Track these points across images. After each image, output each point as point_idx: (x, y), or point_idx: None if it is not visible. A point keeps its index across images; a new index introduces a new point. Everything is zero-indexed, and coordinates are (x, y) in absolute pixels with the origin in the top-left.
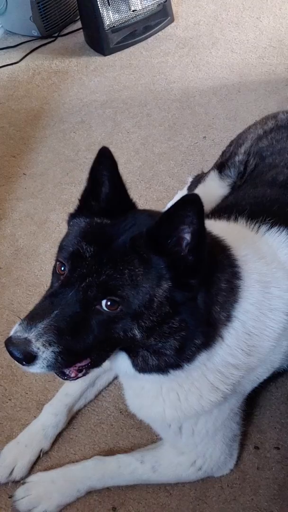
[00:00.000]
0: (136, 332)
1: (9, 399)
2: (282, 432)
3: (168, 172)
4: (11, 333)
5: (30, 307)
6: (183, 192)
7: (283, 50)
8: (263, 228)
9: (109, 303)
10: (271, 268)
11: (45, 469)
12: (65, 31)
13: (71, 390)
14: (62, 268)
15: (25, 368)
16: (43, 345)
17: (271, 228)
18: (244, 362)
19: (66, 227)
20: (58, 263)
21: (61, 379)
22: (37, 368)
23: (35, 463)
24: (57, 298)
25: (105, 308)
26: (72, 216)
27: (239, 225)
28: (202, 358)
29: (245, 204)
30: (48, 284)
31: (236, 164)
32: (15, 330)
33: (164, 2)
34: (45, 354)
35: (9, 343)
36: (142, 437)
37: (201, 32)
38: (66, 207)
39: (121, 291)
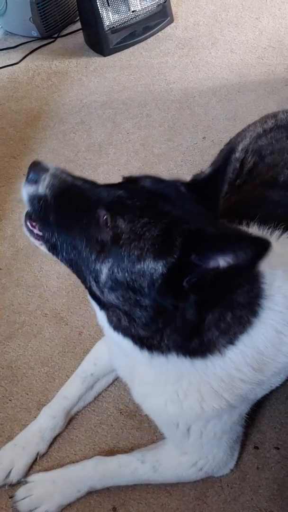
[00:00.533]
0: (104, 270)
1: (10, 400)
2: (282, 432)
3: (168, 173)
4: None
5: (31, 308)
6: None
7: (282, 51)
8: (278, 235)
9: (105, 217)
10: None
11: (46, 470)
12: (65, 32)
13: (69, 393)
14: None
15: (23, 185)
16: (48, 182)
17: (284, 234)
18: (253, 377)
19: None
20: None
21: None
22: (25, 191)
23: (31, 465)
24: (93, 183)
25: (101, 221)
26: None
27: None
28: (186, 363)
29: (250, 207)
30: (48, 285)
31: (231, 162)
32: (50, 164)
33: (164, 2)
34: (41, 188)
35: (36, 162)
36: (142, 437)
37: (200, 32)
38: None
39: (123, 222)
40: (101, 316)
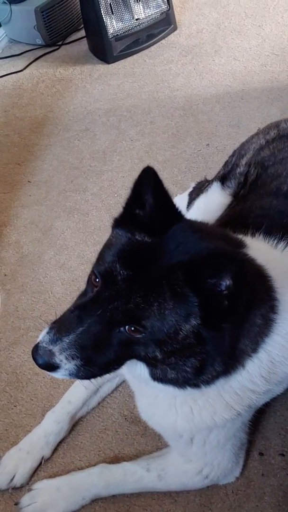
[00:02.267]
0: (158, 354)
1: (15, 406)
2: (287, 438)
3: (172, 180)
4: (39, 338)
5: (35, 313)
6: (183, 196)
7: (285, 58)
8: (283, 246)
9: (132, 328)
10: None
11: (50, 476)
12: (69, 39)
13: (74, 398)
14: (97, 280)
15: (48, 373)
16: (66, 358)
17: None
18: (263, 387)
19: (70, 233)
20: (92, 275)
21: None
22: (60, 375)
23: (36, 470)
24: (85, 314)
25: (127, 332)
26: (116, 223)
27: (268, 245)
28: (220, 382)
29: (255, 217)
30: (53, 291)
31: (236, 176)
32: (43, 338)
33: (167, 10)
34: (67, 366)
35: (35, 351)
36: (147, 443)
37: (204, 40)
38: (71, 215)
39: (146, 322)
40: (138, 372)
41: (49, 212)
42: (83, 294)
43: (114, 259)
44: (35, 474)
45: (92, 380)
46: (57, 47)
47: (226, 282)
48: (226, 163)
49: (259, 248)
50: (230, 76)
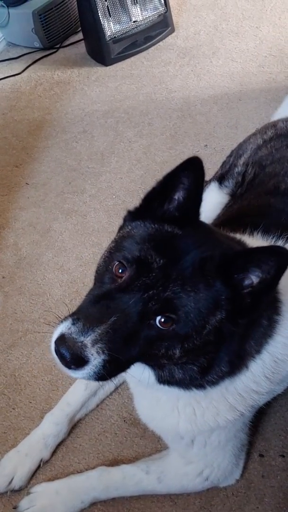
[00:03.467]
0: (177, 351)
1: (13, 408)
2: (287, 439)
3: None
4: (63, 330)
5: (34, 316)
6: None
7: (283, 59)
8: (282, 244)
9: (163, 319)
10: None
11: (50, 479)
12: (67, 42)
13: (72, 400)
14: (121, 271)
15: (68, 371)
16: (97, 352)
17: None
18: (266, 387)
19: (69, 235)
20: (117, 263)
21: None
22: (83, 374)
23: (35, 472)
24: (114, 303)
25: (158, 324)
26: (132, 216)
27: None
28: (225, 383)
29: (253, 215)
30: (51, 293)
31: (234, 176)
32: (68, 328)
33: (165, 12)
34: (96, 361)
35: (62, 342)
36: (146, 445)
37: (201, 41)
38: (69, 216)
39: (181, 312)
40: (141, 376)
41: (47, 214)
42: (98, 287)
43: (147, 247)
44: (34, 476)
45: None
46: (55, 50)
47: (254, 279)
48: (223, 163)
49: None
50: (227, 77)
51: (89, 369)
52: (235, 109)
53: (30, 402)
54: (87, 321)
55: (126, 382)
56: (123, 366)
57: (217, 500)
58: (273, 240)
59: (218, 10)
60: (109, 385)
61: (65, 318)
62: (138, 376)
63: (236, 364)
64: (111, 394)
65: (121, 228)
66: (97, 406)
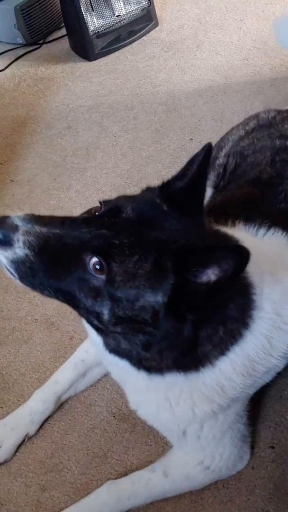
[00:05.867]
0: (105, 311)
1: (1, 407)
2: (277, 431)
3: (156, 175)
4: (13, 214)
5: (21, 313)
6: None
7: (267, 51)
8: (263, 233)
9: (97, 266)
10: (283, 288)
11: (40, 475)
12: (50, 38)
13: (61, 379)
14: (96, 213)
15: None
16: (24, 242)
17: (269, 232)
18: (243, 382)
19: None
20: (97, 206)
21: None
22: (2, 257)
23: (19, 446)
24: (70, 224)
25: (90, 267)
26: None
27: (248, 234)
28: (179, 377)
29: (235, 206)
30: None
31: (216, 168)
32: (16, 215)
33: (148, 6)
34: (19, 250)
35: (1, 220)
36: (136, 440)
37: (185, 35)
38: (55, 213)
39: (116, 266)
40: (97, 340)
41: (33, 211)
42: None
43: (129, 203)
44: (17, 451)
45: (80, 362)
46: (38, 46)
47: (211, 276)
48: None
49: (241, 239)
50: (212, 71)
51: (8, 254)
52: (220, 102)
53: (19, 401)
54: (36, 219)
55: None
56: (43, 286)
57: (208, 493)
58: (255, 229)
59: (202, 4)
60: (99, 368)
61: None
62: (94, 340)
63: (183, 363)
64: (101, 389)
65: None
66: (86, 388)
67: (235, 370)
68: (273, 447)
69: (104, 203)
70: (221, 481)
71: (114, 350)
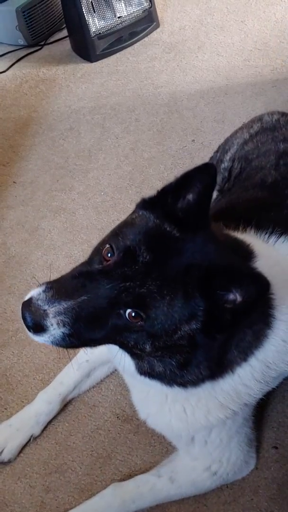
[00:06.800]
0: (147, 346)
1: (5, 408)
2: (280, 431)
3: (158, 176)
4: (32, 294)
5: None
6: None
7: (268, 52)
8: (274, 240)
9: (133, 314)
10: None
11: (44, 476)
12: (51, 39)
13: (65, 380)
14: (109, 255)
15: (28, 334)
16: (57, 323)
17: (279, 239)
18: (257, 389)
19: (57, 233)
20: (107, 247)
21: None
22: (42, 340)
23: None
24: (91, 284)
25: (126, 316)
26: (144, 204)
27: (259, 241)
28: (208, 385)
29: (243, 209)
30: None
31: (221, 171)
32: (38, 295)
33: (149, 8)
34: (55, 331)
35: (27, 306)
36: (140, 441)
37: (186, 36)
38: (57, 214)
39: (151, 312)
40: (126, 365)
41: (35, 213)
42: (87, 263)
43: (140, 239)
44: (22, 451)
45: (84, 362)
46: (40, 47)
47: (236, 297)
48: (211, 159)
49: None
50: (213, 72)
51: (47, 338)
52: (222, 103)
53: (22, 402)
54: (58, 292)
55: (120, 378)
56: (85, 343)
57: (212, 493)
58: (266, 236)
59: (203, 5)
60: (103, 368)
61: (42, 284)
62: (117, 362)
63: (216, 370)
64: (105, 390)
65: (132, 213)
66: (90, 388)
67: (253, 376)
68: (276, 448)
69: (113, 244)
70: None
71: (147, 373)
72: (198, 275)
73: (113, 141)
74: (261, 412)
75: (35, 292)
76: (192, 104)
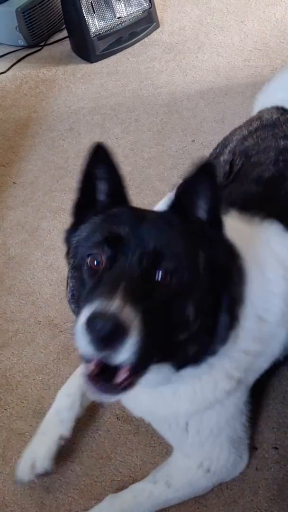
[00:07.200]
0: (191, 309)
1: (5, 409)
2: (280, 432)
3: (158, 177)
4: (85, 315)
5: (24, 315)
6: (171, 195)
7: (268, 53)
8: (257, 221)
9: (163, 270)
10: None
11: (45, 476)
12: (51, 40)
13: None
14: (96, 262)
15: (108, 357)
16: (133, 312)
17: (264, 222)
18: (253, 347)
19: (57, 234)
20: (89, 259)
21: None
22: (127, 350)
23: (58, 452)
24: (112, 275)
25: (161, 280)
26: (71, 231)
27: (240, 222)
28: (230, 340)
29: (234, 200)
30: (41, 292)
31: (221, 164)
32: (91, 311)
33: (149, 8)
34: (135, 323)
35: (91, 324)
36: (140, 442)
37: (186, 37)
38: (57, 215)
39: (169, 255)
40: (154, 382)
41: (35, 213)
42: (85, 291)
43: (105, 226)
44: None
45: None
46: (40, 47)
47: (203, 209)
48: (210, 156)
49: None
50: (213, 72)
51: (133, 339)
52: (222, 103)
53: (22, 402)
54: (102, 296)
55: None
56: (159, 342)
57: (211, 494)
58: (254, 219)
59: (203, 5)
60: None
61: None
62: (131, 399)
63: (234, 312)
64: None
65: (67, 253)
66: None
67: (251, 328)
68: (276, 448)
69: (91, 254)
70: (224, 483)
71: (183, 361)
72: (171, 211)
73: (112, 142)
74: (261, 412)
75: (84, 315)
76: (192, 105)
